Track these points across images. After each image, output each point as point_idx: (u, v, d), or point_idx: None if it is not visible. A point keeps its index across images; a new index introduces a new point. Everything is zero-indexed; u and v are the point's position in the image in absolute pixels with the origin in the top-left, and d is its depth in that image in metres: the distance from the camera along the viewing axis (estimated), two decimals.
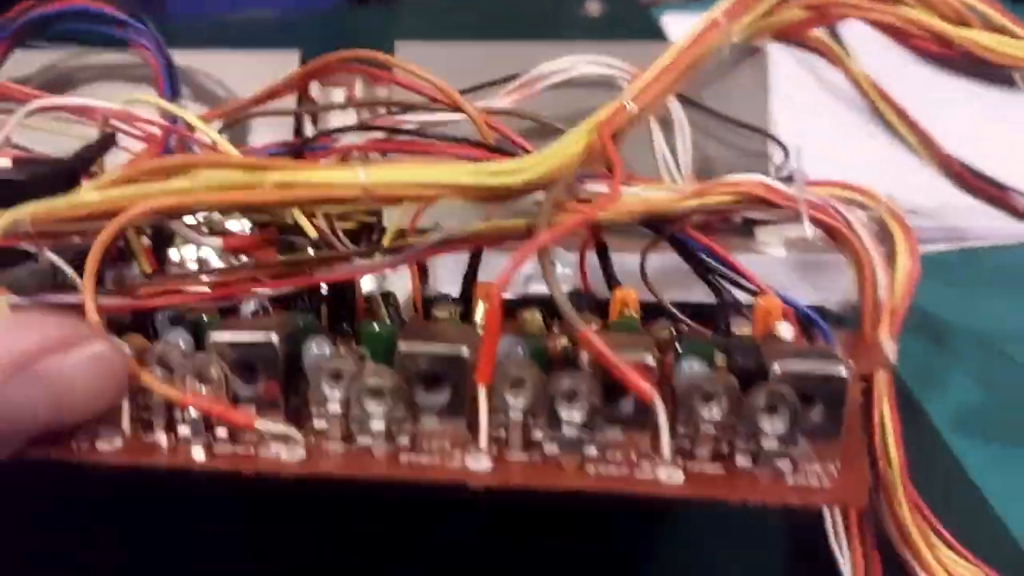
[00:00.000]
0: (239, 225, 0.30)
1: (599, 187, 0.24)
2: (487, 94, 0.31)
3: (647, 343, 0.19)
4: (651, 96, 0.23)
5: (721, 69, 0.32)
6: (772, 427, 0.18)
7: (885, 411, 0.26)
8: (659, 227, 0.26)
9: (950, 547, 0.25)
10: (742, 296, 0.27)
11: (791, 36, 0.28)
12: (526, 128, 0.30)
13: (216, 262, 0.30)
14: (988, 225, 0.40)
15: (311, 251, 0.29)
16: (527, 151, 0.25)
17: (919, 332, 0.36)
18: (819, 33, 0.26)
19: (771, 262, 0.29)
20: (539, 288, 0.29)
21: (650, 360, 0.19)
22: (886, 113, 0.33)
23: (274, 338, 0.19)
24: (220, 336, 0.19)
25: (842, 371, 0.18)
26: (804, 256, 0.30)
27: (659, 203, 0.24)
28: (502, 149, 0.25)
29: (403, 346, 0.19)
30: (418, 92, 0.28)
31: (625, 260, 0.27)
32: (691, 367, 0.19)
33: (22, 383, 0.16)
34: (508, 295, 0.28)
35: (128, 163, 0.24)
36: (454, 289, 0.29)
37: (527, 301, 0.29)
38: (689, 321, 0.26)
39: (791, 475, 0.18)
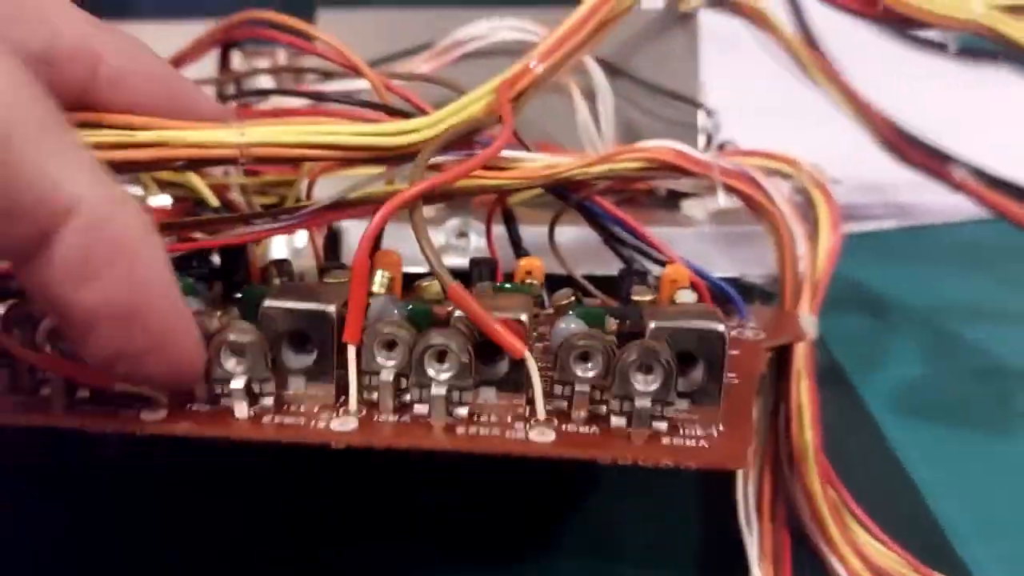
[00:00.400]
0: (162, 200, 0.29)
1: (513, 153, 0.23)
2: (408, 62, 0.30)
3: (526, 302, 0.19)
4: (558, 57, 0.23)
5: (650, 36, 0.31)
6: (645, 385, 0.17)
7: (803, 387, 0.25)
8: (567, 195, 0.25)
9: (866, 529, 0.24)
10: (657, 268, 0.26)
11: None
12: (445, 97, 0.29)
13: None
14: (934, 201, 0.39)
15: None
16: (421, 109, 0.24)
17: (856, 310, 0.36)
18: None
19: (694, 234, 0.29)
20: (454, 261, 0.28)
21: (524, 317, 0.18)
22: (819, 79, 0.32)
23: None
24: None
25: (718, 327, 0.18)
26: (728, 228, 0.29)
27: (563, 168, 0.24)
28: (403, 112, 0.24)
29: (267, 303, 0.18)
30: (326, 59, 0.27)
31: (540, 233, 0.27)
32: (568, 326, 0.19)
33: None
34: (419, 268, 0.27)
35: None
36: None
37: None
38: (594, 290, 0.26)
39: (667, 436, 0.18)
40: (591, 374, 0.18)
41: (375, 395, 0.18)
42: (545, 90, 0.23)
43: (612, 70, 0.30)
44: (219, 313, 0.19)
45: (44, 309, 0.17)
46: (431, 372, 0.18)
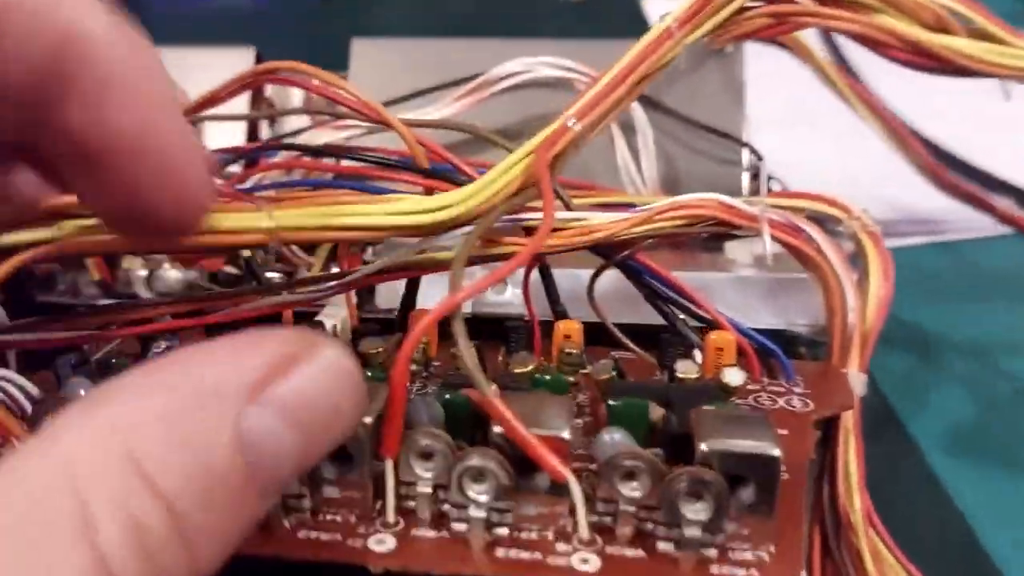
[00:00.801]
0: None
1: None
2: (440, 96, 0.29)
3: (567, 411, 0.18)
4: (597, 113, 0.21)
5: (690, 70, 0.30)
6: (695, 513, 0.17)
7: (851, 448, 0.25)
8: (607, 253, 0.24)
9: None
10: (697, 321, 0.25)
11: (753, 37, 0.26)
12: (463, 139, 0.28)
13: (171, 273, 0.29)
14: (967, 218, 0.38)
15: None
16: (464, 173, 0.23)
17: (900, 341, 0.34)
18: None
19: (738, 281, 0.28)
20: (488, 308, 0.28)
21: (566, 435, 0.17)
22: (859, 109, 0.30)
23: None
24: None
25: (773, 450, 0.17)
26: (773, 275, 0.28)
27: (606, 231, 0.23)
28: (439, 174, 0.23)
29: None
30: (357, 112, 0.26)
31: (576, 275, 0.26)
32: (612, 440, 0.18)
33: (260, 411, 0.13)
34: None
35: None
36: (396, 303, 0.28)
37: (475, 319, 0.27)
38: (631, 345, 0.25)
39: (716, 563, 0.17)
40: (637, 494, 0.17)
41: (411, 503, 0.18)
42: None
43: (651, 103, 0.29)
44: None
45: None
46: (470, 494, 0.17)
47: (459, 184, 0.21)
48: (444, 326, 0.21)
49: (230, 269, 0.30)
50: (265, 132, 0.34)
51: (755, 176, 0.30)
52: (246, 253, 0.27)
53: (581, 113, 0.21)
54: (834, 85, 0.30)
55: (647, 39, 0.22)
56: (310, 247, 0.29)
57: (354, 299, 0.26)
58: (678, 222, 0.24)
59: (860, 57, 0.36)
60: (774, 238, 0.24)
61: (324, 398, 0.14)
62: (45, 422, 0.13)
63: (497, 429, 0.17)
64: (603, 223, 0.23)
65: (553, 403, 0.18)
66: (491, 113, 0.29)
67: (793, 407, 0.23)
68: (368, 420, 0.17)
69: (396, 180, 0.23)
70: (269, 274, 0.29)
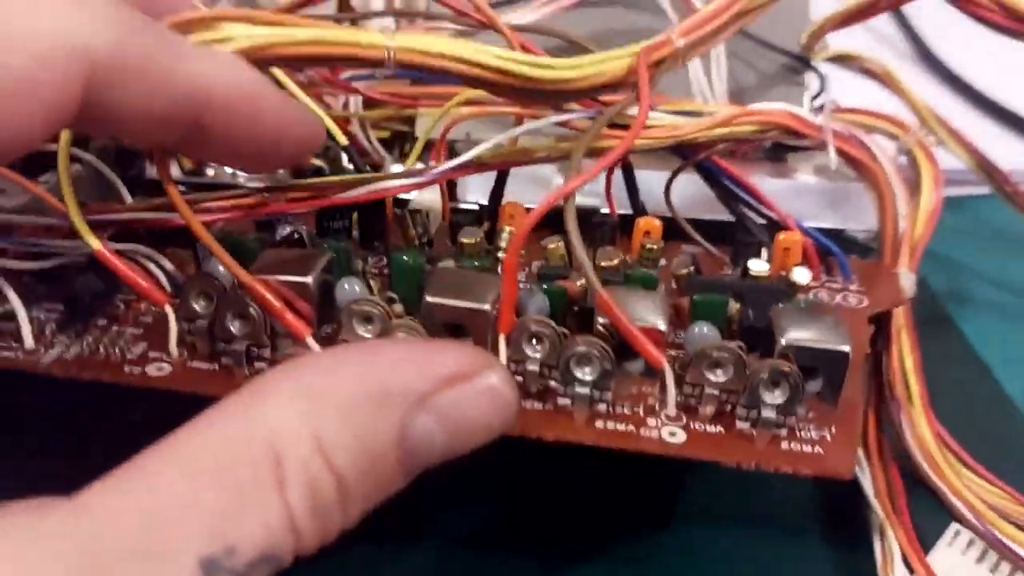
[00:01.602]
0: None
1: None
2: (521, 3, 0.30)
3: (660, 304, 0.20)
4: (701, 35, 0.23)
5: None
6: (772, 398, 0.19)
7: (904, 346, 0.27)
8: (686, 153, 0.26)
9: (978, 474, 0.26)
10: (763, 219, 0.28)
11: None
12: (552, 45, 0.29)
13: None
14: None
15: (344, 157, 0.30)
16: None
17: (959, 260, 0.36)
18: (878, 60, 0.24)
19: (800, 188, 0.30)
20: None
21: (662, 325, 0.20)
22: (949, 143, 0.31)
23: (309, 280, 0.20)
24: (260, 278, 0.20)
25: (845, 348, 0.19)
26: (833, 184, 0.30)
27: (687, 131, 0.25)
28: None
29: (430, 298, 0.20)
30: (450, 7, 0.27)
31: (647, 177, 0.28)
32: (702, 332, 0.20)
33: (424, 417, 0.15)
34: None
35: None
36: (481, 197, 0.30)
37: (558, 210, 0.29)
38: (709, 247, 0.27)
39: (786, 440, 0.20)
40: (721, 380, 0.20)
41: (520, 379, 0.20)
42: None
43: None
44: (383, 305, 0.20)
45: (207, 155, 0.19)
46: (577, 374, 0.20)
47: None
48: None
49: (318, 162, 0.32)
50: None
51: (815, 97, 0.31)
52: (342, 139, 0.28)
53: (685, 31, 0.23)
54: (926, 121, 0.31)
55: None
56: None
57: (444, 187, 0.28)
58: (751, 127, 0.25)
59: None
60: (839, 151, 0.26)
61: (480, 416, 0.16)
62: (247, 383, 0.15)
63: (602, 319, 0.20)
64: (686, 124, 0.25)
65: (649, 297, 0.20)
66: (573, 23, 0.30)
67: (849, 303, 0.26)
68: (487, 307, 0.20)
69: None
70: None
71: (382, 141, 0.30)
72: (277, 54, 0.19)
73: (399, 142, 0.33)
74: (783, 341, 0.19)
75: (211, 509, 0.13)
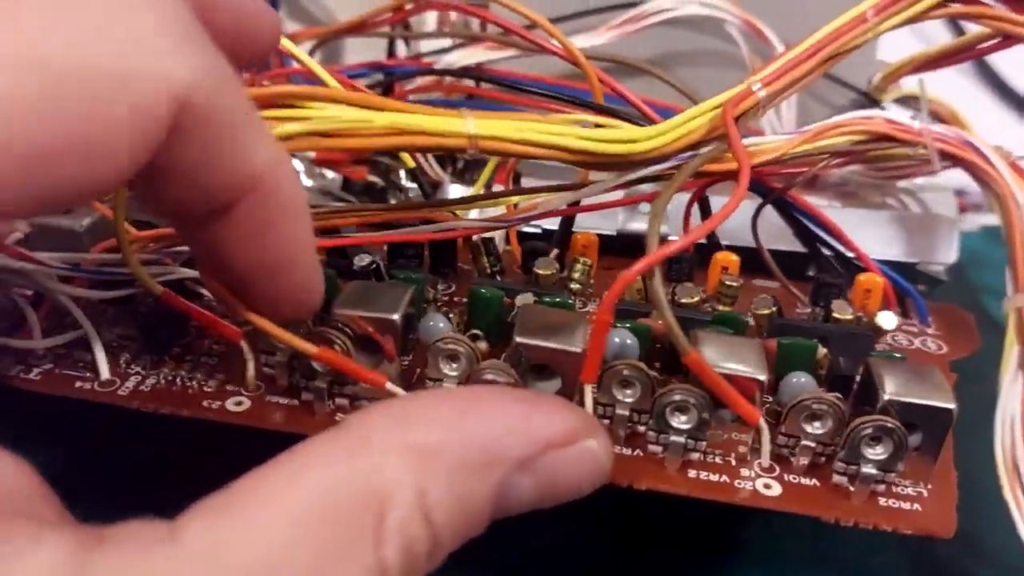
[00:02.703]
0: None
1: None
2: (586, 25, 0.30)
3: (756, 352, 0.20)
4: (782, 83, 0.22)
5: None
6: (874, 454, 0.19)
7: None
8: (764, 191, 0.26)
9: None
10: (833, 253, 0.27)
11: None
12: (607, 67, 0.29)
13: (304, 180, 0.30)
14: None
15: (406, 181, 0.29)
16: (644, 113, 0.24)
17: None
18: (946, 103, 0.24)
19: (872, 218, 0.29)
20: (635, 226, 0.29)
21: (762, 376, 0.19)
22: None
23: (396, 317, 0.20)
24: (345, 311, 0.20)
25: (950, 405, 0.19)
26: (905, 215, 0.29)
27: (774, 149, 0.24)
28: (616, 112, 0.24)
29: (520, 339, 0.19)
30: (511, 31, 0.27)
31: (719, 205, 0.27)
32: (799, 382, 0.20)
33: (523, 479, 0.15)
34: (606, 231, 0.28)
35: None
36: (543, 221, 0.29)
37: (623, 237, 0.29)
38: (788, 284, 0.26)
39: (883, 496, 0.19)
40: (819, 432, 0.19)
41: (608, 422, 0.20)
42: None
43: None
44: (469, 343, 0.20)
45: (209, 259, 0.18)
46: (673, 423, 0.19)
47: (629, 120, 0.22)
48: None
49: (372, 178, 0.32)
50: (401, 51, 0.34)
51: None
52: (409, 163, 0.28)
53: (767, 80, 0.22)
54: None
55: (841, 21, 0.22)
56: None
57: None
58: (847, 138, 0.25)
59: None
60: (941, 153, 0.25)
61: (575, 479, 0.16)
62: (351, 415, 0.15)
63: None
64: (775, 143, 0.24)
65: (746, 345, 0.20)
66: (638, 45, 0.30)
67: (928, 348, 0.25)
68: (578, 349, 0.19)
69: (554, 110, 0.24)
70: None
71: (436, 158, 0.30)
72: (352, 143, 0.19)
73: (451, 158, 0.32)
74: (886, 396, 0.19)
75: (308, 561, 0.13)
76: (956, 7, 0.24)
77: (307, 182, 0.31)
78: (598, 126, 0.21)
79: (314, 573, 0.13)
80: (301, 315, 0.18)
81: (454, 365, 0.20)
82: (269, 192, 0.16)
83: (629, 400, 0.20)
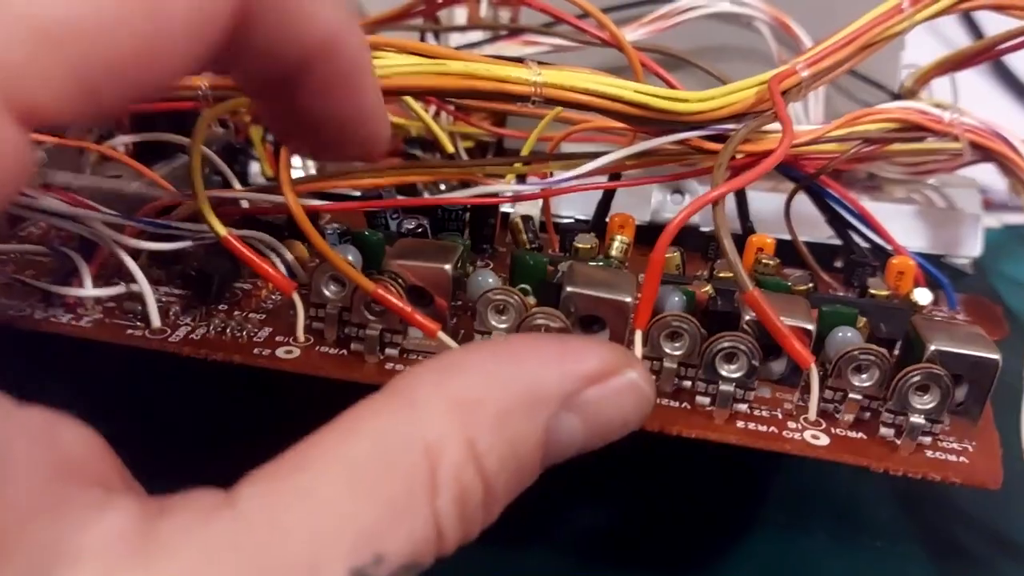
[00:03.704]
0: None
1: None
2: (616, 19, 0.31)
3: (805, 308, 0.20)
4: (822, 66, 0.23)
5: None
6: (922, 403, 0.19)
7: None
8: (796, 176, 0.26)
9: None
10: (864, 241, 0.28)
11: None
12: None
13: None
14: None
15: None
16: None
17: None
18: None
19: (899, 212, 0.30)
20: (666, 215, 0.30)
21: (810, 327, 0.19)
22: None
23: (448, 267, 0.20)
24: (399, 262, 0.20)
25: (996, 356, 0.19)
26: (932, 209, 0.30)
27: (808, 136, 0.24)
28: None
29: (571, 288, 0.20)
30: (554, 16, 0.28)
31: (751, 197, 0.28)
32: (845, 336, 0.20)
33: (569, 417, 0.15)
34: (638, 219, 0.28)
35: None
36: (575, 212, 0.30)
37: (655, 227, 0.29)
38: (812, 262, 0.27)
39: (930, 448, 0.19)
40: (866, 384, 0.19)
41: (653, 377, 0.20)
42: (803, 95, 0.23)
43: None
44: (519, 295, 0.20)
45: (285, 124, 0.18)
46: (722, 371, 0.19)
47: None
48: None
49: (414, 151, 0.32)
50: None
51: None
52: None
53: (811, 61, 0.23)
54: None
55: (879, 10, 0.23)
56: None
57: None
58: (879, 126, 0.25)
59: None
60: (973, 144, 0.26)
61: (620, 413, 0.16)
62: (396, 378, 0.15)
63: (747, 317, 0.20)
64: (809, 129, 0.25)
65: (793, 300, 0.20)
66: (671, 39, 0.30)
67: None
68: (628, 299, 0.20)
69: None
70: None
71: (467, 150, 0.31)
72: (432, 85, 0.20)
73: (480, 151, 0.33)
74: (932, 347, 0.19)
75: (367, 519, 0.13)
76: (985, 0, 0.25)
77: None
78: None
79: (374, 527, 0.13)
80: (370, 157, 0.19)
81: (503, 317, 0.20)
82: (338, 53, 0.16)
83: (678, 353, 0.20)
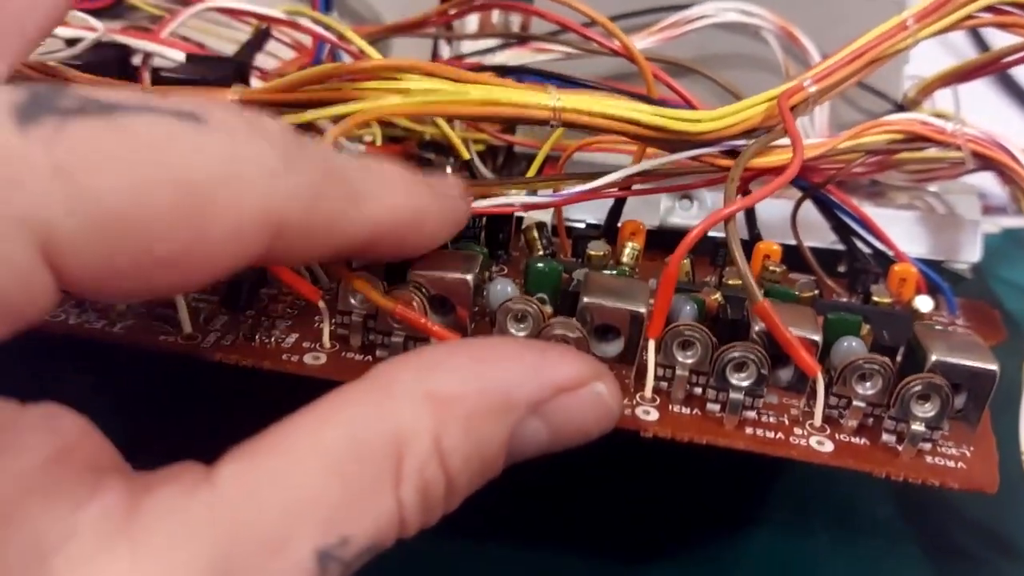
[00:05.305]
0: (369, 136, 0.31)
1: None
2: (625, 27, 0.31)
3: (812, 319, 0.21)
4: (829, 81, 0.24)
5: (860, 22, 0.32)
6: (923, 411, 0.20)
7: None
8: (803, 185, 0.27)
9: None
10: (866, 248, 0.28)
11: None
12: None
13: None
14: None
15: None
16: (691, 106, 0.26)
17: None
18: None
19: (901, 218, 0.30)
20: (675, 221, 0.31)
21: (817, 338, 0.20)
22: None
23: (469, 278, 0.21)
24: (423, 272, 0.21)
25: (993, 367, 0.20)
26: (932, 216, 0.31)
27: (824, 144, 0.25)
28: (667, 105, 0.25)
29: (587, 299, 0.21)
30: (563, 25, 0.29)
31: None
32: (850, 346, 0.21)
33: (535, 423, 0.16)
34: (648, 225, 0.29)
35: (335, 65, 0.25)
36: (587, 213, 0.30)
37: (664, 232, 0.30)
38: (817, 268, 0.28)
39: (930, 455, 0.20)
40: (870, 392, 0.20)
41: (664, 384, 0.21)
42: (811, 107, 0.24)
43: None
44: (537, 304, 0.21)
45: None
46: (732, 380, 0.20)
47: None
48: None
49: (429, 155, 0.33)
50: (444, 52, 0.36)
51: None
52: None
53: (818, 77, 0.24)
54: None
55: (884, 27, 0.24)
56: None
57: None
58: (883, 137, 0.26)
59: None
60: (974, 154, 0.26)
61: (583, 423, 0.17)
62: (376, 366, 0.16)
63: (757, 327, 0.20)
64: (818, 142, 0.25)
65: (800, 311, 0.21)
66: (678, 49, 0.31)
67: None
68: (643, 310, 0.21)
69: None
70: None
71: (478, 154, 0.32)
72: (450, 112, 0.20)
73: (491, 155, 0.34)
74: (933, 358, 0.20)
75: (334, 501, 0.14)
76: (988, 17, 0.26)
77: None
78: None
79: (342, 510, 0.14)
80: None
81: (522, 325, 0.21)
82: (401, 238, 0.18)
83: (689, 361, 0.21)
